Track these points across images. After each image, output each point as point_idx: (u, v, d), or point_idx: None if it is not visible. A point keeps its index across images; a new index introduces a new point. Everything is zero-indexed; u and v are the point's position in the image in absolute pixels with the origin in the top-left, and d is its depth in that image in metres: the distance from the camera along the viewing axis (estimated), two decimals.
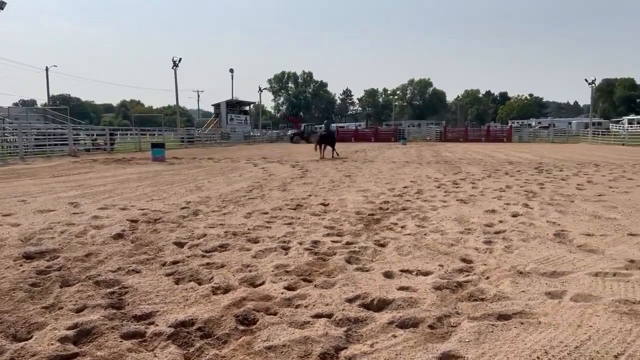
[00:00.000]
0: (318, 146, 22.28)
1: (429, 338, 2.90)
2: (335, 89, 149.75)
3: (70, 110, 37.39)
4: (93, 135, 32.22)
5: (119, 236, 5.47)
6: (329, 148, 22.53)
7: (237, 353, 2.72)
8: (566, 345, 2.74)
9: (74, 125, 30.85)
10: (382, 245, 5.18)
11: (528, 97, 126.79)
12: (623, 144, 40.48)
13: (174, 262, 4.47)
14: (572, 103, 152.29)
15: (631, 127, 58.08)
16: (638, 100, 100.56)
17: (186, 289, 3.74)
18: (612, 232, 5.73)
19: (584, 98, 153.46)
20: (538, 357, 2.62)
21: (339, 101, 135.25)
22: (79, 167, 16.27)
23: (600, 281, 3.91)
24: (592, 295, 3.56)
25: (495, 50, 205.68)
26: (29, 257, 4.58)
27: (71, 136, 25.41)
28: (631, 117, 71.50)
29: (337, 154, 22.71)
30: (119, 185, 10.63)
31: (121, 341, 2.85)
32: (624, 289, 3.72)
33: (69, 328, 2.99)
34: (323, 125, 25.39)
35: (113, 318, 3.16)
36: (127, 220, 6.39)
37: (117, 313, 3.25)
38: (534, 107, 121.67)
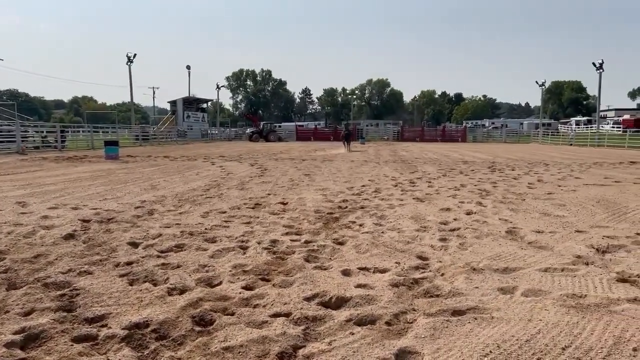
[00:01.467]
0: (344, 142, 31.10)
1: (386, 335, 2.94)
2: (295, 88, 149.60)
3: (18, 106, 35.88)
4: (43, 132, 31.05)
5: (70, 236, 5.29)
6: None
7: (194, 354, 2.68)
8: (517, 339, 2.83)
9: (22, 122, 29.64)
10: (341, 244, 5.21)
11: (482, 98, 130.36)
12: (571, 144, 42.18)
13: (128, 263, 4.35)
14: (523, 104, 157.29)
15: (578, 127, 60.65)
16: (585, 102, 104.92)
17: (141, 290, 3.66)
18: (560, 229, 5.96)
19: (535, 99, 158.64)
20: (491, 351, 2.69)
21: (298, 100, 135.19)
22: (28, 165, 15.64)
23: (549, 276, 4.06)
24: (541, 290, 3.69)
25: (451, 52, 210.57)
26: None
27: (19, 133, 24.41)
28: (578, 118, 74.73)
29: (349, 150, 29.60)
30: (70, 184, 10.28)
31: (72, 345, 2.75)
32: (572, 283, 3.88)
33: (16, 332, 2.87)
34: (344, 127, 42.96)
35: (63, 321, 3.05)
36: (79, 220, 6.19)
37: (68, 316, 3.14)
38: (488, 108, 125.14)
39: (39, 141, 28.22)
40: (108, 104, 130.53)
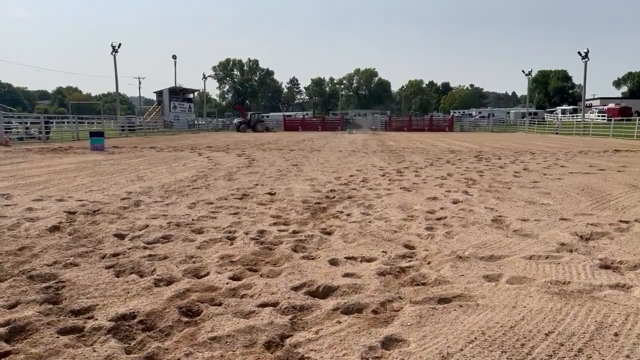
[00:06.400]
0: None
1: (373, 323, 2.96)
2: (282, 78, 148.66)
3: (0, 97, 35.30)
4: (26, 123, 30.61)
5: (55, 228, 5.24)
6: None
7: (181, 345, 2.68)
8: (502, 326, 2.87)
9: (5, 113, 29.21)
10: (328, 233, 5.22)
11: (469, 88, 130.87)
12: (557, 133, 42.56)
13: (114, 255, 4.33)
14: (510, 94, 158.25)
15: (564, 116, 61.17)
16: (570, 91, 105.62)
17: (127, 282, 3.64)
18: (545, 217, 6.02)
19: (522, 89, 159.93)
20: (476, 338, 2.72)
21: (285, 90, 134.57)
22: (11, 157, 15.43)
23: (534, 264, 4.11)
24: (526, 278, 3.74)
25: (439, 42, 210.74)
26: None
27: (2, 124, 24.03)
28: (564, 107, 75.27)
29: None
30: (55, 176, 10.17)
31: (58, 337, 2.74)
32: (555, 270, 3.93)
33: (1, 325, 2.85)
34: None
35: (49, 313, 3.03)
36: (64, 212, 6.14)
37: (54, 308, 3.12)
38: (475, 98, 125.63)
39: (22, 132, 27.83)
40: (93, 95, 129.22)
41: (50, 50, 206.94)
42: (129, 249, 4.54)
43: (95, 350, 2.61)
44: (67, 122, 36.96)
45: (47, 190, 8.01)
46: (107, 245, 4.67)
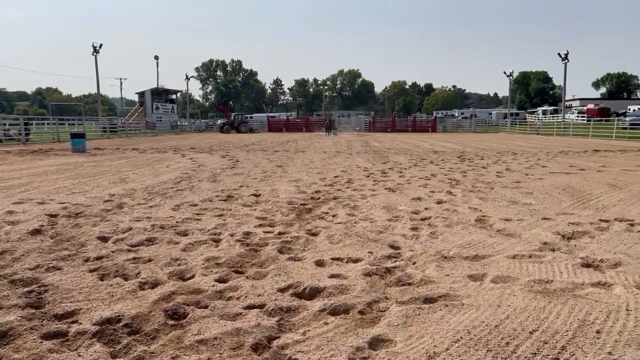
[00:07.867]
0: None
1: (360, 323, 2.97)
2: (266, 79, 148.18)
3: None
4: (5, 125, 30.10)
5: (36, 232, 5.16)
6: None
7: (167, 348, 2.66)
8: (487, 325, 2.90)
9: None
10: (314, 235, 5.23)
11: (452, 89, 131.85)
12: (538, 134, 43.11)
13: (98, 258, 4.28)
14: (492, 94, 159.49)
15: (545, 117, 62.01)
16: (551, 92, 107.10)
17: (111, 285, 3.60)
18: (528, 217, 6.10)
19: (503, 90, 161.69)
20: (461, 337, 2.75)
21: (269, 91, 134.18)
22: None
23: (517, 263, 4.17)
24: (510, 277, 3.79)
25: (422, 43, 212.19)
26: None
27: None
28: (545, 108, 76.30)
29: None
30: (35, 178, 10.01)
31: (41, 342, 2.70)
32: (538, 269, 3.99)
33: None
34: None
35: (32, 318, 2.99)
36: (46, 214, 6.05)
37: (37, 313, 3.07)
38: (457, 98, 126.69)
39: (1, 134, 27.35)
40: (74, 96, 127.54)
41: (30, 50, 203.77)
42: (113, 252, 4.49)
43: (80, 355, 2.58)
44: (47, 124, 36.45)
45: (28, 193, 7.89)
46: (90, 248, 4.61)
